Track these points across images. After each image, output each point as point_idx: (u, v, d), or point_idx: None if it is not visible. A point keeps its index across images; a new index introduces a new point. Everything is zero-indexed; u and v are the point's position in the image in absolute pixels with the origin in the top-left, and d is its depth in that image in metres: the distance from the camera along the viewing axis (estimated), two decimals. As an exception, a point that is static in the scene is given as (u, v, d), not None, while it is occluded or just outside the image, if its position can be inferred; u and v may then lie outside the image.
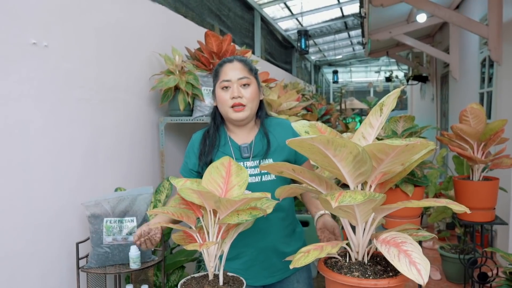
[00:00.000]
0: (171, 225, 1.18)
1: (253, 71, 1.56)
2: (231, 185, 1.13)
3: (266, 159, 1.53)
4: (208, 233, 1.12)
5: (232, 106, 1.49)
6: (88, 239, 1.94)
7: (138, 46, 2.61)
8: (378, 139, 1.07)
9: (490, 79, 4.23)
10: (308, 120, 1.14)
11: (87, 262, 1.93)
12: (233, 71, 1.51)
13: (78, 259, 1.90)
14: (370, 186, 1.08)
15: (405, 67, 9.53)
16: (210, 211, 1.10)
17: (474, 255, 2.61)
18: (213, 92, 1.58)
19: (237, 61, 1.54)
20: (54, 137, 1.92)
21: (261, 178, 1.51)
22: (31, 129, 1.80)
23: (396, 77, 9.42)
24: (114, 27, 2.36)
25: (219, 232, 1.11)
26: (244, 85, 1.51)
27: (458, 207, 0.92)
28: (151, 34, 2.77)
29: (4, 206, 1.67)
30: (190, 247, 1.06)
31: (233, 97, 1.48)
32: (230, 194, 1.12)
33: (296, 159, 1.58)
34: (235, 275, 1.20)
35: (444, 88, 6.85)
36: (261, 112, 1.59)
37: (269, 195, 1.09)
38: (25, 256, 1.77)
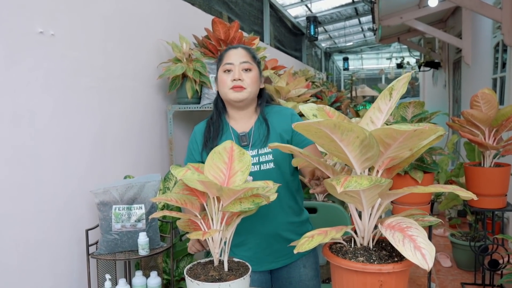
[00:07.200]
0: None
1: (255, 60, 1.59)
2: (233, 171, 1.13)
3: (265, 148, 1.54)
4: (212, 219, 1.12)
5: (232, 88, 1.52)
6: (97, 226, 1.96)
7: (146, 34, 2.60)
8: (386, 124, 1.05)
9: (504, 64, 4.14)
10: (317, 105, 1.12)
11: (96, 248, 1.95)
12: (236, 55, 1.55)
13: (87, 245, 1.92)
14: (377, 171, 1.06)
15: (417, 53, 9.37)
16: (213, 197, 1.09)
17: (485, 242, 2.58)
18: (216, 78, 1.62)
19: (242, 48, 1.59)
20: (63, 126, 1.93)
21: (260, 167, 1.53)
22: (40, 118, 1.81)
23: (408, 63, 9.27)
24: (121, 15, 2.35)
25: (223, 218, 1.11)
26: (246, 69, 1.54)
27: (464, 193, 0.90)
28: (158, 22, 2.76)
29: (14, 194, 1.70)
30: (193, 235, 1.06)
31: (234, 79, 1.51)
32: (233, 180, 1.11)
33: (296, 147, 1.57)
34: (240, 260, 1.20)
35: (457, 74, 6.74)
36: (262, 100, 1.62)
37: (270, 183, 1.08)
38: (36, 243, 1.80)
